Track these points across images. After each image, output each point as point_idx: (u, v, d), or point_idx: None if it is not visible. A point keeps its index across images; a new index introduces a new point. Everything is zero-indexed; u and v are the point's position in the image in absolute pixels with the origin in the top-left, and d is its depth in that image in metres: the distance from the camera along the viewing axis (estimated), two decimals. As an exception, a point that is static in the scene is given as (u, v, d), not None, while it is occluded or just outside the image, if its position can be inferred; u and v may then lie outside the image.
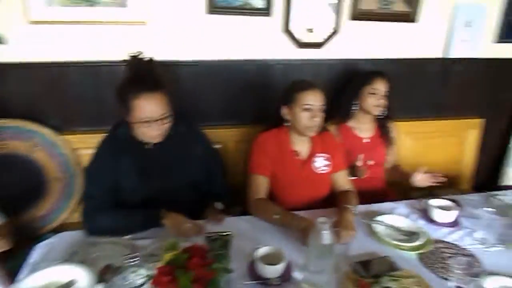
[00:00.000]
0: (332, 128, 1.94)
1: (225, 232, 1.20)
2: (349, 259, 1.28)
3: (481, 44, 2.30)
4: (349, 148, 1.88)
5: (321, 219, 1.10)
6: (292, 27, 1.98)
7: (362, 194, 1.85)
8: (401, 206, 1.70)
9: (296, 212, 1.52)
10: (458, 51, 2.25)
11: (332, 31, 2.03)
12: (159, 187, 1.49)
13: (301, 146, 1.68)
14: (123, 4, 1.77)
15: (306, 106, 1.55)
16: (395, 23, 2.12)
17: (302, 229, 1.35)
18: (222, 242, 1.14)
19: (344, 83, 2.09)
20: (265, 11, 1.92)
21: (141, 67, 1.39)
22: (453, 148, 2.51)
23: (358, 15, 2.04)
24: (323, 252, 1.11)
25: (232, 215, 1.55)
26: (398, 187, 2.32)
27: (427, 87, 2.34)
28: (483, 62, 2.35)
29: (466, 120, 2.47)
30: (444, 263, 1.31)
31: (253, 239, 1.39)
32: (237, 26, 1.93)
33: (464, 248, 1.41)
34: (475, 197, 1.82)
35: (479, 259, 1.36)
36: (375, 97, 1.88)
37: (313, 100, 1.55)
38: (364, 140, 1.99)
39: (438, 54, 2.26)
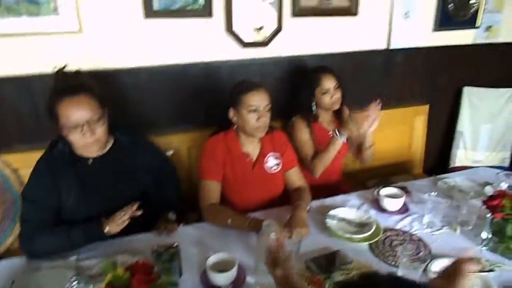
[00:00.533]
0: (306, 129, 1.93)
1: (172, 244, 1.17)
2: (301, 257, 1.29)
3: (420, 33, 2.38)
4: (321, 144, 1.88)
5: (265, 222, 1.09)
6: (235, 27, 1.96)
7: (318, 188, 1.87)
8: (353, 198, 1.73)
9: (251, 214, 1.51)
10: (399, 42, 2.33)
11: (275, 29, 2.03)
12: (104, 202, 1.42)
13: (251, 147, 1.66)
14: (54, 13, 1.67)
15: (252, 108, 1.53)
16: (337, 17, 2.16)
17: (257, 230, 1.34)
18: (169, 255, 1.11)
19: (294, 81, 2.11)
20: (206, 12, 1.89)
21: (67, 79, 1.33)
22: (403, 135, 2.59)
23: (300, 12, 2.06)
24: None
25: (186, 224, 1.52)
26: (353, 178, 2.39)
27: (373, 78, 2.39)
28: (423, 51, 2.44)
29: (412, 107, 2.56)
30: (394, 250, 1.35)
31: (206, 246, 1.37)
32: (178, 29, 1.89)
33: (412, 234, 1.46)
34: (423, 182, 1.89)
35: (427, 243, 1.40)
36: (328, 95, 1.90)
37: (258, 100, 1.54)
38: (330, 133, 2.01)
39: (381, 46, 2.32)
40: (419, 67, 2.50)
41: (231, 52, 2.01)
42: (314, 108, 1.94)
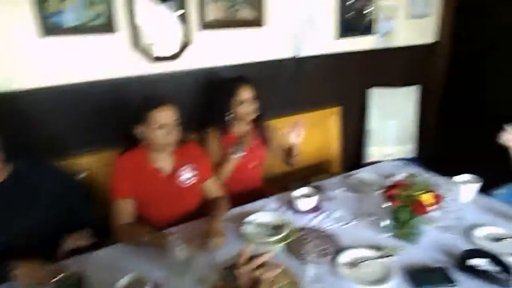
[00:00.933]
0: (216, 140, 1.95)
1: (76, 272, 1.11)
2: (217, 267, 1.29)
3: (325, 41, 2.55)
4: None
5: (172, 237, 1.09)
6: (142, 42, 1.94)
7: (241, 195, 1.90)
8: (272, 202, 1.79)
9: (168, 229, 1.49)
10: (306, 50, 2.46)
11: (184, 42, 2.04)
12: (7, 234, 1.32)
13: (163, 162, 1.64)
14: None
15: (160, 124, 1.51)
16: (245, 28, 2.23)
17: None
18: (73, 284, 1.05)
19: (210, 92, 2.13)
20: (109, 28, 1.84)
21: None
22: (320, 137, 2.73)
23: (208, 25, 2.09)
24: (182, 269, 1.10)
25: (99, 247, 1.45)
26: (277, 182, 2.46)
27: (286, 86, 2.50)
28: (330, 57, 2.61)
29: (326, 110, 2.71)
30: (306, 248, 1.41)
31: (118, 269, 1.31)
32: (80, 46, 1.82)
33: (324, 230, 1.54)
34: (335, 180, 2.00)
35: (336, 237, 1.49)
36: (245, 105, 1.93)
37: (166, 117, 1.52)
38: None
39: (290, 54, 2.44)
40: (328, 72, 2.66)
41: (140, 68, 1.98)
42: (229, 118, 1.96)
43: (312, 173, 2.68)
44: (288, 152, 2.07)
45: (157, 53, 1.99)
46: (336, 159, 2.84)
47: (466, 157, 2.97)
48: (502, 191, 2.08)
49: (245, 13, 2.19)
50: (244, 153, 1.84)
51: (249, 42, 2.27)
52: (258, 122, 2.05)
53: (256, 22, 2.25)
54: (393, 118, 2.89)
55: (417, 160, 2.94)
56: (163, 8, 1.94)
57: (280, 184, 2.46)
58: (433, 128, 3.36)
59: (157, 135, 1.52)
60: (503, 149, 2.02)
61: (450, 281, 1.24)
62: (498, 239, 1.46)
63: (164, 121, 1.52)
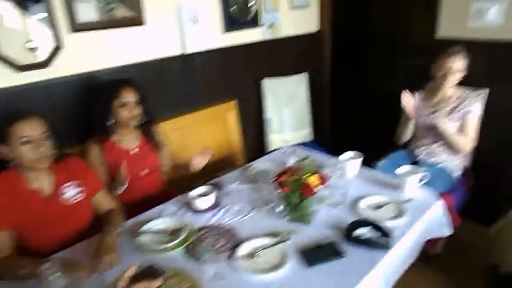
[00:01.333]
0: (96, 148, 1.81)
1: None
2: (111, 285, 1.22)
3: (212, 36, 2.53)
4: (117, 164, 1.77)
5: (44, 265, 0.98)
6: (3, 50, 1.71)
7: (140, 204, 1.82)
8: (170, 206, 1.74)
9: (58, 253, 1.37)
10: (193, 46, 2.43)
11: (54, 47, 1.85)
12: None
13: (41, 182, 1.48)
14: None
15: (24, 139, 1.36)
16: (124, 28, 2.10)
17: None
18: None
19: (89, 100, 1.97)
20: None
21: None
22: (220, 132, 2.74)
23: (80, 27, 1.92)
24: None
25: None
26: (182, 183, 2.40)
27: (177, 84, 2.44)
28: (219, 51, 2.61)
29: (223, 104, 2.72)
30: (203, 247, 1.39)
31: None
32: None
33: (223, 226, 1.54)
34: (234, 173, 2.02)
35: (236, 230, 1.50)
36: (127, 109, 1.82)
37: (29, 130, 1.37)
38: (132, 152, 1.93)
39: (177, 52, 2.38)
40: (219, 67, 2.66)
41: (5, 79, 1.75)
42: (110, 124, 1.84)
43: (217, 169, 2.67)
44: (181, 167, 2.05)
45: (23, 61, 1.77)
46: (239, 152, 2.88)
47: (357, 134, 3.26)
48: (383, 162, 2.31)
49: (122, 12, 2.07)
50: (125, 186, 1.75)
51: (130, 42, 2.15)
52: (146, 128, 1.97)
53: (136, 21, 2.14)
54: (287, 106, 3.01)
55: (314, 143, 3.13)
56: (15, 12, 1.72)
57: (184, 184, 2.42)
58: (328, 111, 3.60)
59: (23, 151, 1.37)
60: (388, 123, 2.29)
61: (339, 253, 1.34)
62: (379, 206, 1.62)
63: (28, 135, 1.37)
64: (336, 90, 3.55)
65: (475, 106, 2.13)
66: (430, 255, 2.26)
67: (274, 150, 2.41)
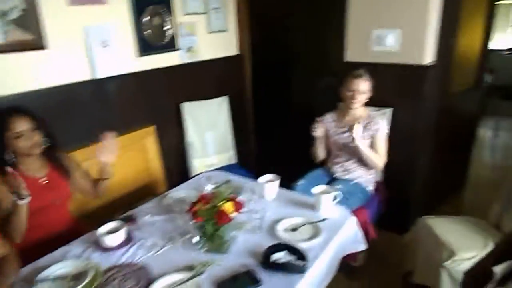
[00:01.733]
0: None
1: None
2: None
3: (125, 60, 2.43)
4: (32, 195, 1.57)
5: None
6: None
7: (40, 246, 1.63)
8: (76, 246, 1.58)
9: None
10: (105, 71, 2.30)
11: None
12: None
13: None
14: None
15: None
16: (21, 52, 1.93)
17: None
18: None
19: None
20: None
21: None
22: (138, 159, 2.61)
23: (-35, 51, 1.72)
24: None
25: None
26: (95, 217, 2.22)
27: (89, 110, 2.28)
28: (134, 76, 2.50)
29: (140, 130, 2.61)
30: (113, 291, 1.28)
31: None
32: None
33: (135, 263, 1.43)
34: (150, 204, 1.92)
35: (149, 267, 1.41)
36: (24, 138, 1.64)
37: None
38: (42, 180, 1.74)
39: (86, 77, 2.24)
40: (136, 91, 2.55)
41: None
42: (9, 157, 1.65)
43: (136, 199, 2.52)
44: (97, 180, 1.90)
45: None
46: (160, 179, 2.76)
47: (280, 155, 3.32)
48: (302, 181, 2.37)
49: (18, 35, 1.90)
50: (29, 197, 1.56)
51: (30, 68, 1.98)
52: (51, 154, 1.80)
53: (36, 44, 1.97)
54: (209, 129, 2.98)
55: (238, 165, 3.12)
56: None
57: (98, 218, 2.24)
58: (251, 133, 3.63)
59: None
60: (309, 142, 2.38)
61: (256, 281, 1.31)
62: (295, 228, 1.63)
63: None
64: (259, 112, 3.61)
65: (381, 124, 2.28)
66: (352, 267, 2.34)
67: (197, 175, 2.35)
